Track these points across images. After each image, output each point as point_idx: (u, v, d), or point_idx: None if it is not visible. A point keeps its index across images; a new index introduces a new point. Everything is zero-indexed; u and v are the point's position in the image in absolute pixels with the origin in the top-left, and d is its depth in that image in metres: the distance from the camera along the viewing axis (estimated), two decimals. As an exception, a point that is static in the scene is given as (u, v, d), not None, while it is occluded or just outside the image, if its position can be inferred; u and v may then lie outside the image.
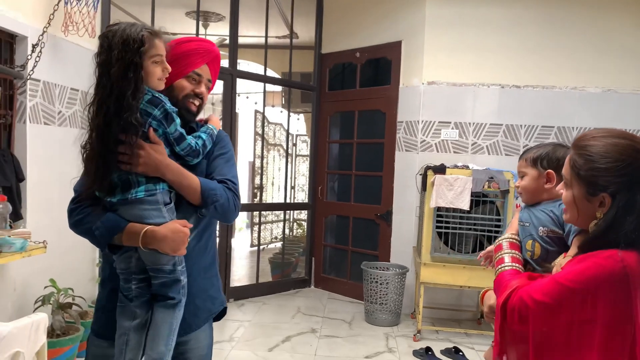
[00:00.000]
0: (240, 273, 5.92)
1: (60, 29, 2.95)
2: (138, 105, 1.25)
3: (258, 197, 7.88)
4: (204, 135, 1.44)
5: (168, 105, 1.33)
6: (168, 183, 1.34)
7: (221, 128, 1.55)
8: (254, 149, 7.69)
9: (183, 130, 1.38)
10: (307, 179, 5.41)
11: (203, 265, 1.49)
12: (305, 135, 7.19)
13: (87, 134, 1.30)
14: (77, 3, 2.99)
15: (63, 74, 3.11)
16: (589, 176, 1.08)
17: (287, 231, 6.05)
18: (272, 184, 7.06)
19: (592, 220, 1.10)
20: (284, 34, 5.89)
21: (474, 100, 4.19)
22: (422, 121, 4.24)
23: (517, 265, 1.29)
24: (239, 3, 4.46)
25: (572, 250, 1.18)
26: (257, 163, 7.81)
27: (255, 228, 6.26)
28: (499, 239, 1.42)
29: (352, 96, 4.88)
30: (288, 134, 5.72)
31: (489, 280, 1.37)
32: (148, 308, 1.35)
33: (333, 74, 5.12)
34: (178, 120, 1.36)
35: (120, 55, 1.23)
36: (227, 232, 4.52)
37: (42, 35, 2.84)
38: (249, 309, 4.38)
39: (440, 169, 3.68)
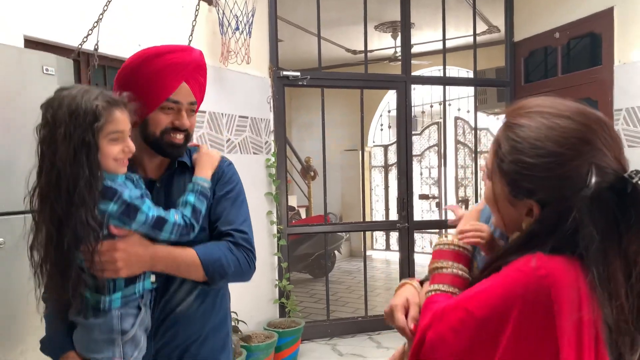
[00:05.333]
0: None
1: (218, 60, 3.16)
2: (96, 199, 0.98)
3: (463, 212, 7.25)
4: (191, 198, 1.14)
5: (127, 194, 1.03)
6: (156, 275, 1.12)
7: (222, 158, 1.29)
8: (456, 159, 7.14)
9: (158, 211, 1.08)
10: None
11: (212, 325, 1.28)
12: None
13: (31, 231, 1.02)
14: (233, 33, 3.17)
15: (229, 103, 3.32)
16: (512, 172, 0.75)
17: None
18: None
19: (516, 232, 0.80)
20: (482, 30, 5.30)
21: None
22: (651, 106, 3.17)
23: (454, 289, 0.86)
24: (410, 5, 4.16)
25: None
26: (461, 173, 7.24)
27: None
28: (444, 241, 0.91)
29: (553, 85, 4.01)
30: (476, 135, 4.96)
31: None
32: None
33: (529, 63, 4.32)
34: (147, 203, 1.06)
35: (68, 133, 0.96)
36: (408, 250, 4.17)
37: (202, 69, 3.08)
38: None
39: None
